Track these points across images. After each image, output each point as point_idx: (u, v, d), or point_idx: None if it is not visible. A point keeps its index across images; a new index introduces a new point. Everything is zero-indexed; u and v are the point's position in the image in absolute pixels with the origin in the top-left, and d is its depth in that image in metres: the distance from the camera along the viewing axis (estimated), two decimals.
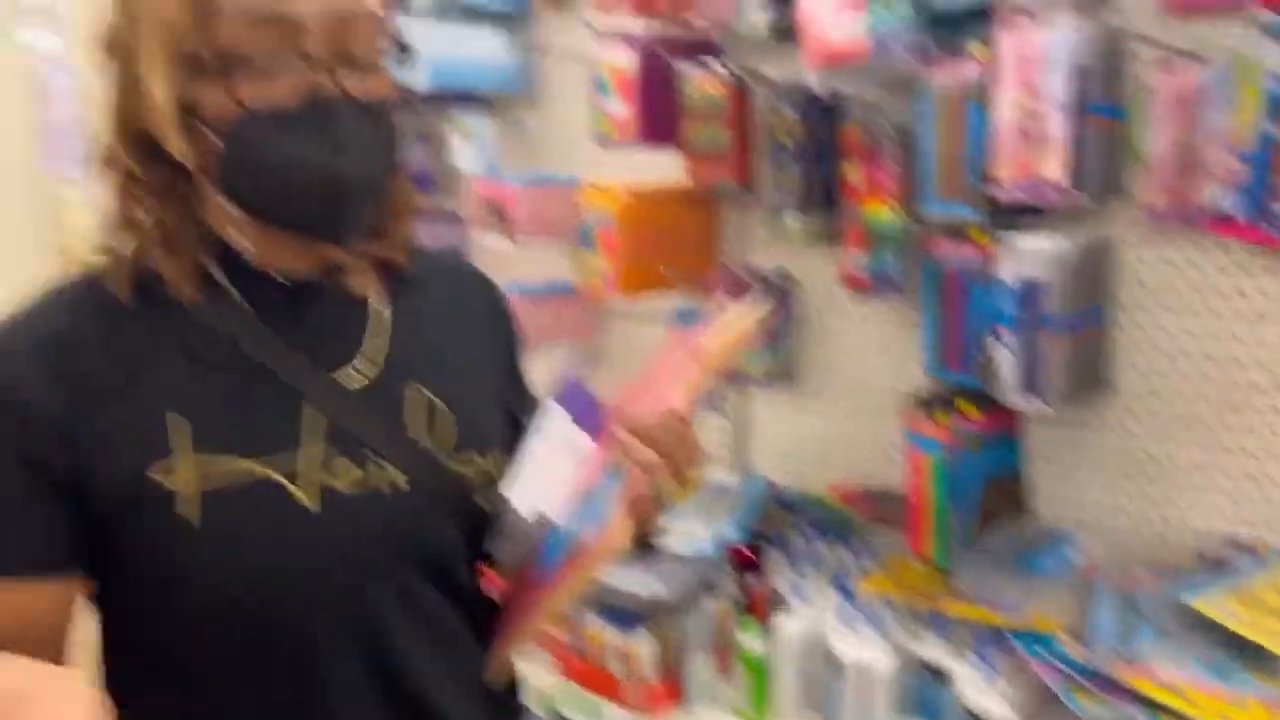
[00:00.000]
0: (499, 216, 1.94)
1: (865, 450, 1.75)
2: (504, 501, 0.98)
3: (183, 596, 0.86)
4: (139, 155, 0.89)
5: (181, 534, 0.84)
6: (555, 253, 2.13)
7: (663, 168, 1.95)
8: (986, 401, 1.44)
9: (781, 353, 1.79)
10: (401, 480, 0.91)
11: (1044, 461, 1.52)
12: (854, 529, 1.75)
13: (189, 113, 0.86)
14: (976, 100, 1.33)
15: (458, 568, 0.96)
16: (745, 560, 1.78)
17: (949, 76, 1.35)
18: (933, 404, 1.48)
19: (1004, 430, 1.50)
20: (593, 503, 0.95)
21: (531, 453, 0.99)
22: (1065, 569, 1.42)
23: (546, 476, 0.98)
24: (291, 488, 0.86)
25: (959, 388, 1.48)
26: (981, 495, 1.45)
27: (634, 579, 1.63)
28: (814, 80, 1.44)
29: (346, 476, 0.89)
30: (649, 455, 0.91)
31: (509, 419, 1.05)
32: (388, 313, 0.98)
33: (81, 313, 0.88)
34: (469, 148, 2.11)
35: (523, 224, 1.90)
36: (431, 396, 0.96)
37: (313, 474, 0.87)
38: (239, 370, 0.89)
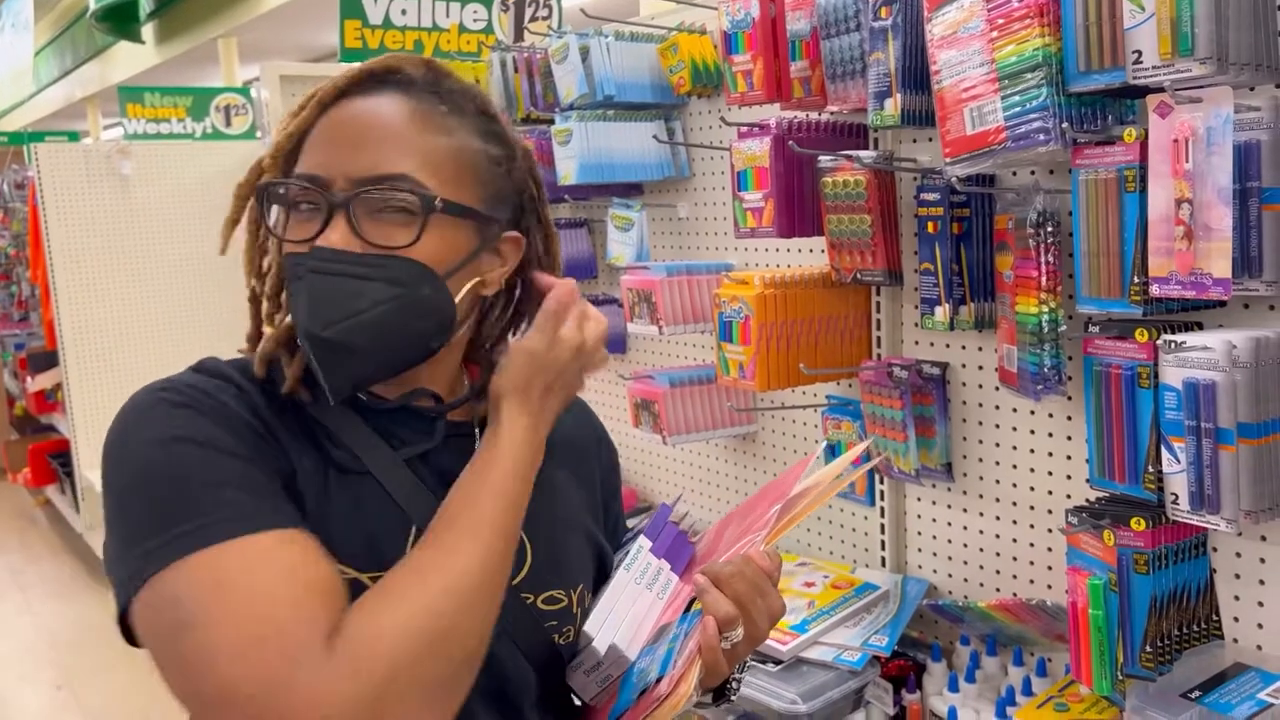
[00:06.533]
0: (646, 304, 1.93)
1: (1031, 556, 1.61)
2: (583, 635, 0.95)
3: None
4: (257, 273, 0.94)
5: None
6: (704, 341, 2.10)
7: (816, 255, 1.90)
8: (1160, 515, 1.28)
9: (937, 446, 1.68)
10: None
11: (1232, 582, 1.34)
12: (1027, 644, 1.60)
13: (271, 239, 0.91)
14: (1129, 189, 1.21)
15: (522, 700, 0.93)
16: (900, 673, 1.66)
17: (1098, 163, 1.23)
18: (1099, 517, 1.34)
19: (1180, 548, 1.33)
20: (667, 643, 0.90)
21: (616, 586, 0.96)
22: (1256, 705, 1.24)
23: (628, 611, 0.95)
24: None
25: (1128, 498, 1.33)
26: (1150, 621, 1.29)
27: (772, 691, 1.55)
28: (953, 169, 1.35)
29: None
30: (724, 606, 0.86)
31: (597, 553, 1.02)
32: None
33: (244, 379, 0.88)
34: (623, 236, 2.13)
35: (668, 312, 1.89)
36: (521, 533, 0.94)
37: None
38: (365, 480, 0.87)
